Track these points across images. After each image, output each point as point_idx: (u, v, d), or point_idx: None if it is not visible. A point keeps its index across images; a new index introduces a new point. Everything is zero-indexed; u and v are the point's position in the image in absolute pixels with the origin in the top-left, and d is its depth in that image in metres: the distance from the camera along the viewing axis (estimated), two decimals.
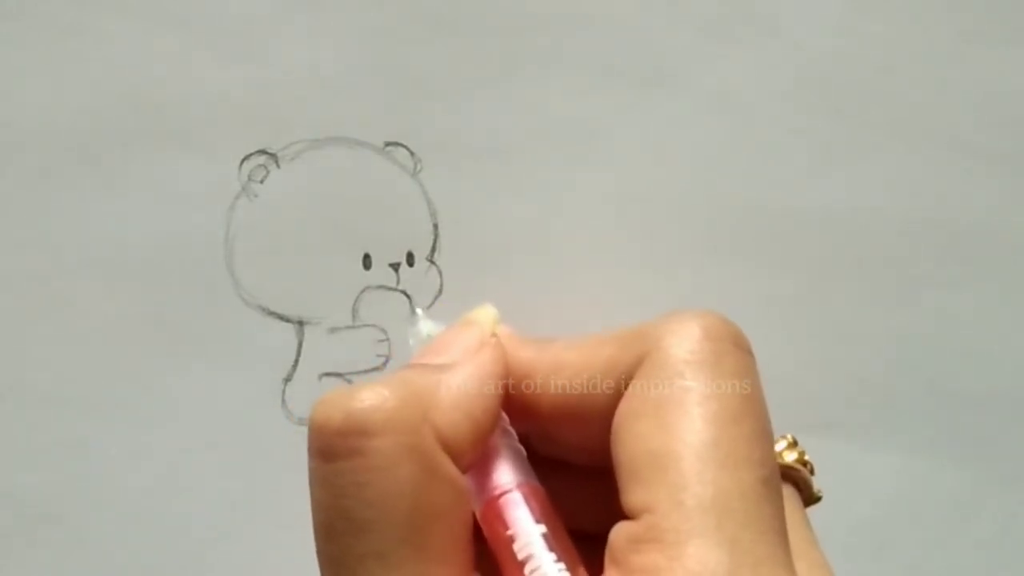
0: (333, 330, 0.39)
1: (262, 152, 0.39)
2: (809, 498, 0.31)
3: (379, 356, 0.39)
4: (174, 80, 0.38)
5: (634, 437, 0.26)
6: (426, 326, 0.32)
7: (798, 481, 0.31)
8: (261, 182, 0.39)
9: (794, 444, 0.31)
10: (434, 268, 0.39)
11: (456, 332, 0.30)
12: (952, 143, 0.41)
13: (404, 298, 0.39)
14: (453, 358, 0.28)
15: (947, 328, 0.41)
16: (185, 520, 0.38)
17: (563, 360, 0.28)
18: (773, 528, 0.25)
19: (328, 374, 0.39)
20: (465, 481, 0.27)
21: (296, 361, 0.39)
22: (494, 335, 0.29)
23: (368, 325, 0.39)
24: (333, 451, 0.26)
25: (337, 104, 0.39)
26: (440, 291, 0.39)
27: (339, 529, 0.25)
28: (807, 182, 0.40)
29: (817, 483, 0.31)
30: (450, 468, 0.26)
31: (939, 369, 0.41)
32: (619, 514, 0.26)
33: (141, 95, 0.38)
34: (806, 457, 0.31)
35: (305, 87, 0.39)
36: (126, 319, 0.38)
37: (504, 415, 0.29)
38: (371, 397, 0.26)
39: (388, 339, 0.39)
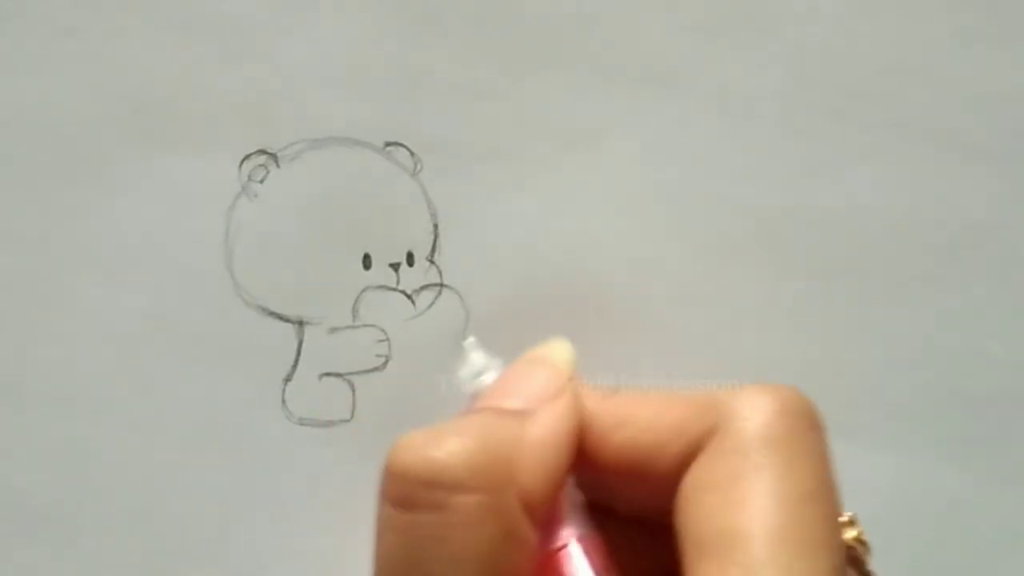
0: (333, 330, 0.39)
1: (262, 152, 0.39)
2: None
3: (379, 356, 0.39)
4: (174, 80, 0.38)
5: (704, 511, 0.25)
6: (479, 357, 0.31)
7: (856, 562, 0.30)
8: (261, 182, 0.39)
9: (853, 522, 0.31)
10: (434, 268, 0.39)
11: (527, 372, 0.29)
12: (952, 143, 0.41)
13: (404, 298, 0.39)
14: (527, 403, 0.27)
15: (947, 328, 0.41)
16: (185, 520, 0.38)
17: (629, 414, 0.28)
18: None
19: (328, 374, 0.39)
20: (537, 543, 0.26)
21: (296, 361, 0.39)
22: (571, 379, 0.28)
23: (368, 325, 0.39)
24: (413, 501, 0.25)
25: (337, 104, 0.39)
26: (440, 291, 0.39)
27: None
28: (807, 182, 0.40)
29: (872, 563, 0.31)
30: (527, 529, 0.26)
31: (939, 369, 0.41)
32: (668, 569, 0.25)
33: (141, 95, 0.38)
34: (864, 537, 0.31)
35: (305, 87, 0.39)
36: (126, 319, 0.38)
37: None
38: (457, 448, 0.25)
39: (388, 339, 0.39)
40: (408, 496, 0.25)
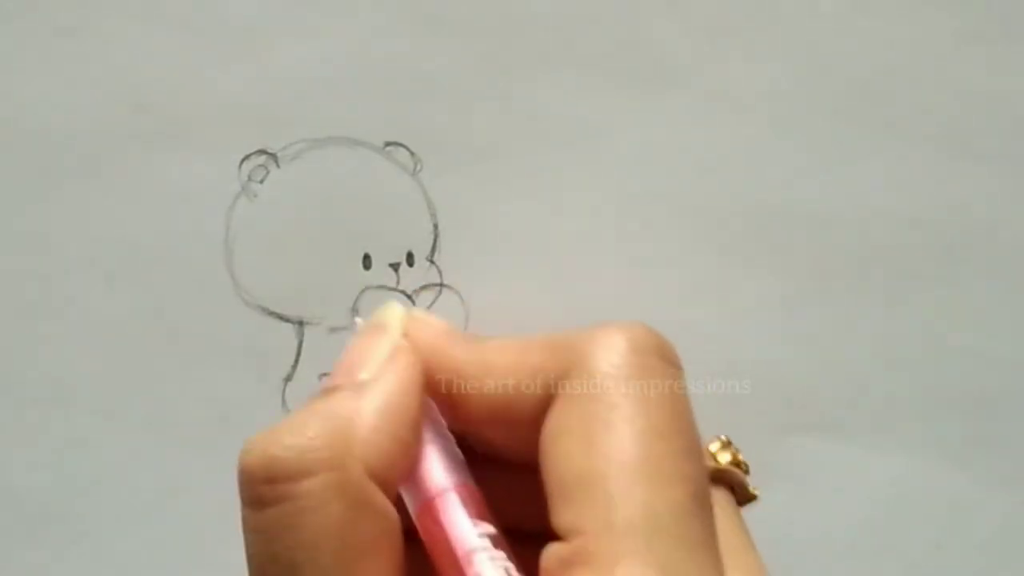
0: (333, 330, 0.39)
1: (262, 152, 0.39)
2: (745, 498, 0.30)
3: None
4: (174, 80, 0.38)
5: (561, 455, 0.26)
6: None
7: (732, 483, 0.30)
8: (261, 182, 0.39)
9: (728, 444, 0.31)
10: (434, 268, 0.39)
11: (367, 342, 0.29)
12: (952, 143, 0.41)
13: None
14: (368, 372, 0.28)
15: (947, 328, 0.41)
16: (185, 520, 0.38)
17: (492, 363, 0.28)
18: (704, 544, 0.25)
19: (328, 374, 0.39)
20: (393, 510, 0.26)
21: (296, 361, 0.39)
22: (405, 335, 0.29)
23: None
24: (262, 499, 0.26)
25: (337, 104, 0.39)
26: (440, 291, 0.39)
27: (272, 574, 0.25)
28: (807, 182, 0.40)
29: (752, 483, 0.31)
30: (380, 499, 0.26)
31: (938, 369, 0.41)
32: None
33: (141, 95, 0.38)
34: (740, 456, 0.31)
35: (305, 87, 0.39)
36: (126, 319, 0.38)
37: (436, 409, 0.29)
38: (294, 438, 0.26)
39: None
40: (256, 495, 0.26)
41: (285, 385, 0.38)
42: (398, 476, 0.27)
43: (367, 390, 0.27)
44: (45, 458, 0.38)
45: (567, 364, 0.27)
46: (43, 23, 0.38)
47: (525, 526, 0.27)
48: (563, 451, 0.26)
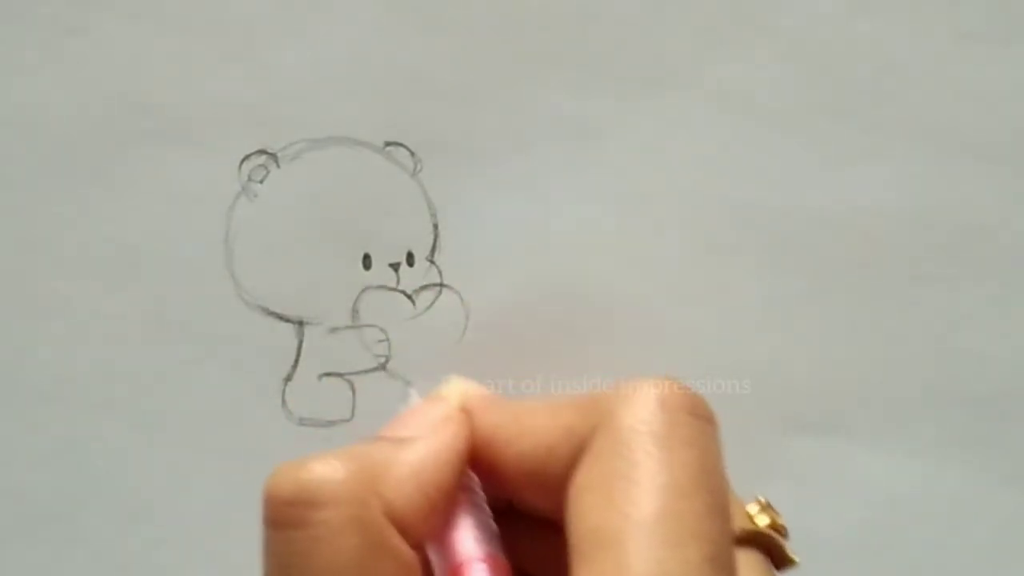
0: (333, 330, 0.39)
1: (262, 152, 0.39)
2: (782, 562, 0.29)
3: (379, 356, 0.39)
4: (174, 80, 0.38)
5: (582, 512, 0.25)
6: (415, 403, 0.32)
7: (769, 547, 0.29)
8: (261, 182, 0.39)
9: (767, 507, 0.30)
10: (434, 268, 0.39)
11: (423, 407, 0.30)
12: (952, 143, 0.41)
13: (404, 298, 0.39)
14: (416, 432, 0.29)
15: (947, 328, 0.41)
16: (185, 520, 0.38)
17: (524, 426, 0.28)
18: None
19: (328, 374, 0.39)
20: (412, 556, 0.27)
21: (296, 361, 0.39)
22: (461, 409, 0.30)
23: (368, 325, 0.39)
24: (281, 520, 0.26)
25: (337, 104, 0.39)
26: (440, 291, 0.39)
27: None
28: (807, 182, 0.40)
29: (791, 547, 0.30)
30: (396, 542, 0.26)
31: (939, 369, 0.41)
32: None
33: (141, 95, 0.38)
34: (780, 520, 0.30)
35: (305, 87, 0.39)
36: (126, 319, 0.38)
37: (476, 481, 0.29)
38: (321, 468, 0.26)
39: (388, 339, 0.39)
40: (277, 516, 0.26)
41: (285, 385, 0.38)
42: (422, 529, 0.27)
43: (407, 445, 0.28)
44: (45, 458, 0.38)
45: (596, 421, 0.27)
46: (44, 23, 0.38)
47: None
48: (584, 507, 0.26)
